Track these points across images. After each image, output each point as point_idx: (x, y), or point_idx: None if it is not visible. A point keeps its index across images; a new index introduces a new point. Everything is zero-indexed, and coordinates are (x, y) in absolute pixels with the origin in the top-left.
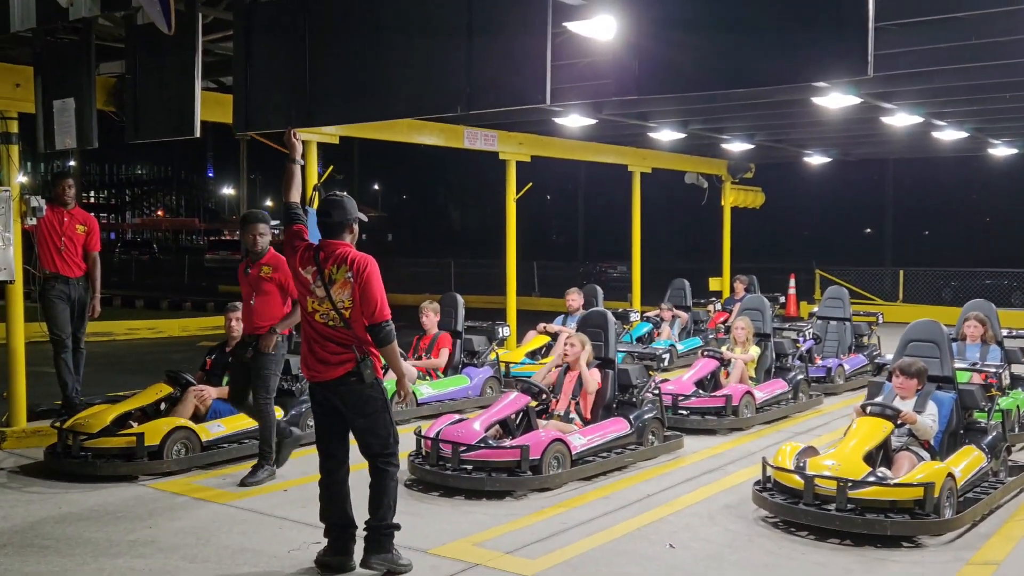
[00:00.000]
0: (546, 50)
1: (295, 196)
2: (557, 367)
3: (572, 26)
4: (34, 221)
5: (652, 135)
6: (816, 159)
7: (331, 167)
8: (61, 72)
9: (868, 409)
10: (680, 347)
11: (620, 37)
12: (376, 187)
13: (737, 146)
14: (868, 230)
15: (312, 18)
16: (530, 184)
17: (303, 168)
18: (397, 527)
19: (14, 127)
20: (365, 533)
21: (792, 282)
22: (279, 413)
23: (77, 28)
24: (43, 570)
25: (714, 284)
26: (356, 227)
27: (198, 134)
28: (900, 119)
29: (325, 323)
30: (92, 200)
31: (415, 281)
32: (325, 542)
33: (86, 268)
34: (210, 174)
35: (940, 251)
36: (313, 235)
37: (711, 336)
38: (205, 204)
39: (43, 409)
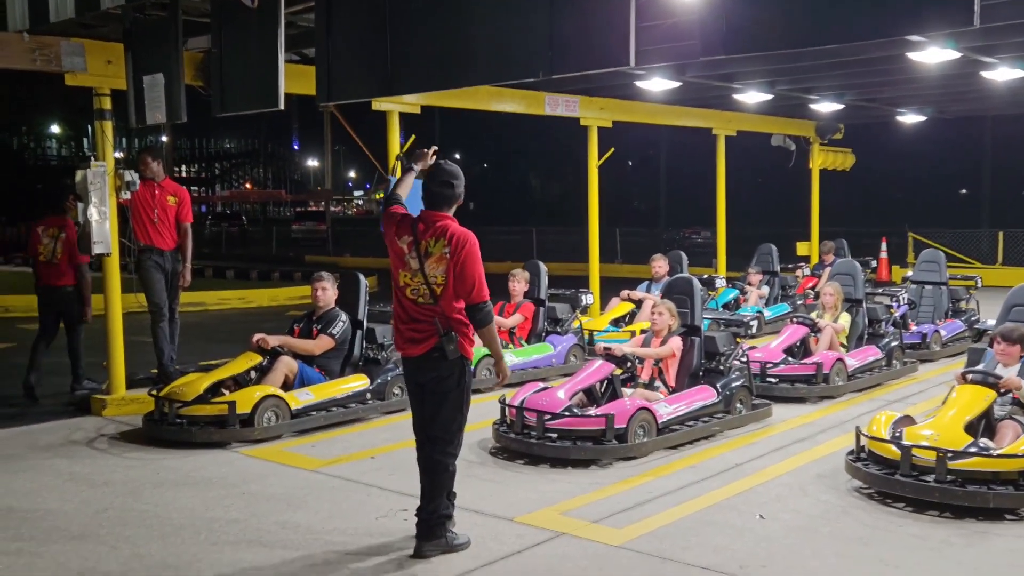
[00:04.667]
0: (629, 11)
1: (403, 193)
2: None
3: None
4: (128, 195)
5: (737, 97)
6: (910, 118)
7: (413, 136)
8: (150, 48)
9: (969, 377)
10: (768, 313)
11: None
12: (457, 156)
13: (826, 106)
14: (964, 191)
15: None
16: (612, 150)
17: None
18: (450, 515)
19: (107, 103)
20: (416, 519)
21: (884, 246)
22: (365, 382)
23: (164, 4)
24: (143, 533)
25: (802, 249)
26: (462, 200)
27: (282, 106)
28: (1001, 73)
29: (414, 300)
30: (183, 174)
31: (497, 249)
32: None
33: (178, 240)
34: (295, 146)
35: None
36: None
37: (799, 302)
38: (291, 176)
39: (140, 377)
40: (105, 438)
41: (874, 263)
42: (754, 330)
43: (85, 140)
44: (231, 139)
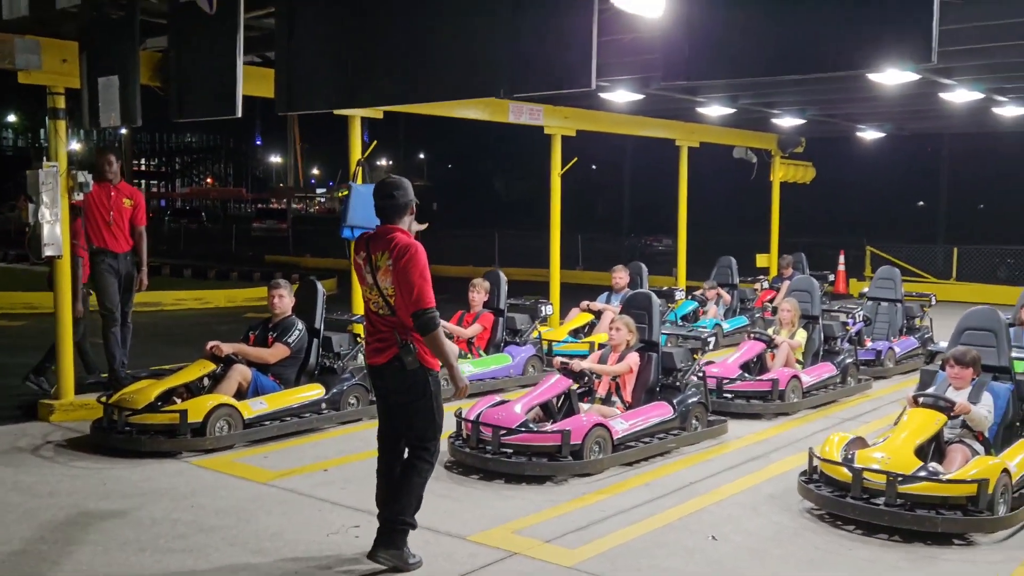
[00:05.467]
0: (592, 32)
1: None
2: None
3: (619, 3)
4: (81, 196)
5: (700, 110)
6: (869, 134)
7: (375, 142)
8: (106, 48)
9: (920, 400)
10: (726, 326)
11: (670, 16)
12: (422, 156)
13: (788, 121)
14: (921, 203)
15: None
16: (575, 159)
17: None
18: (413, 526)
19: (61, 102)
20: (379, 524)
21: (842, 258)
22: (320, 391)
23: (123, 4)
24: (85, 549)
25: (761, 261)
26: (414, 208)
27: (240, 114)
28: (959, 95)
29: (377, 312)
30: (143, 168)
31: (460, 253)
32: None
33: (133, 243)
34: (258, 142)
35: (996, 226)
36: (356, 212)
37: (757, 315)
38: (253, 172)
39: (90, 382)
40: (51, 445)
41: (832, 277)
42: (711, 347)
43: (42, 131)
44: (193, 134)
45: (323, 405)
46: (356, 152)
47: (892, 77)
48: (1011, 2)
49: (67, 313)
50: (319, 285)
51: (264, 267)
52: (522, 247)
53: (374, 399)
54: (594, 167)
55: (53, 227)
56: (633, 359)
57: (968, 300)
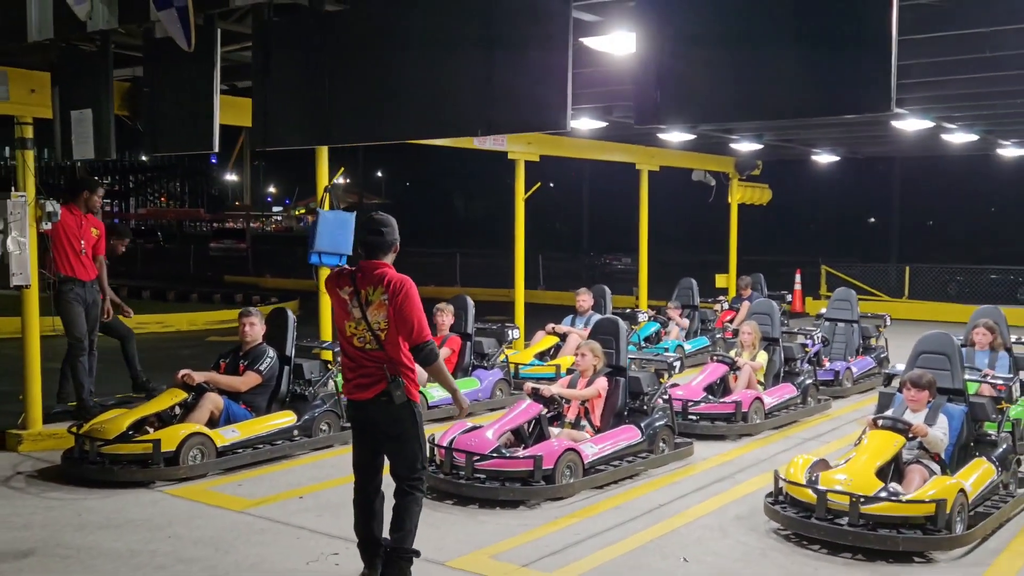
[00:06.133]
0: (567, 72)
1: None
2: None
3: (589, 42)
4: (49, 225)
5: (661, 135)
6: (824, 158)
7: (342, 168)
8: (78, 82)
9: (880, 422)
10: (688, 347)
11: (640, 58)
12: (380, 174)
13: (745, 145)
14: (872, 219)
15: (330, 34)
16: (538, 184)
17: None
18: (416, 553)
19: (29, 132)
20: (385, 551)
21: (798, 277)
22: (292, 418)
23: (95, 38)
24: None
25: (720, 281)
26: (398, 247)
27: (216, 148)
28: (910, 123)
29: (362, 347)
30: None
31: (421, 273)
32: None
33: (97, 272)
34: (213, 160)
35: (946, 243)
36: (323, 239)
37: (718, 335)
38: (209, 191)
39: (58, 411)
40: (22, 476)
41: (789, 296)
42: (677, 370)
43: (7, 148)
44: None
45: (295, 432)
46: (323, 179)
47: None
48: (959, 40)
49: (35, 343)
50: (290, 313)
51: (224, 288)
52: (484, 266)
53: (345, 425)
54: (552, 184)
55: (21, 256)
56: (601, 384)
57: (921, 318)
